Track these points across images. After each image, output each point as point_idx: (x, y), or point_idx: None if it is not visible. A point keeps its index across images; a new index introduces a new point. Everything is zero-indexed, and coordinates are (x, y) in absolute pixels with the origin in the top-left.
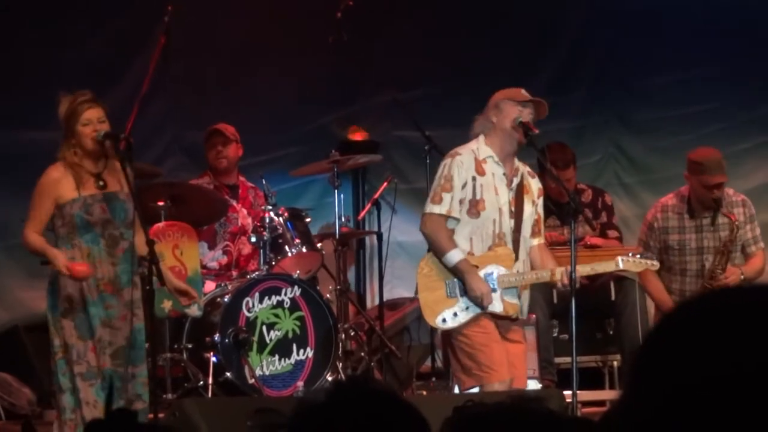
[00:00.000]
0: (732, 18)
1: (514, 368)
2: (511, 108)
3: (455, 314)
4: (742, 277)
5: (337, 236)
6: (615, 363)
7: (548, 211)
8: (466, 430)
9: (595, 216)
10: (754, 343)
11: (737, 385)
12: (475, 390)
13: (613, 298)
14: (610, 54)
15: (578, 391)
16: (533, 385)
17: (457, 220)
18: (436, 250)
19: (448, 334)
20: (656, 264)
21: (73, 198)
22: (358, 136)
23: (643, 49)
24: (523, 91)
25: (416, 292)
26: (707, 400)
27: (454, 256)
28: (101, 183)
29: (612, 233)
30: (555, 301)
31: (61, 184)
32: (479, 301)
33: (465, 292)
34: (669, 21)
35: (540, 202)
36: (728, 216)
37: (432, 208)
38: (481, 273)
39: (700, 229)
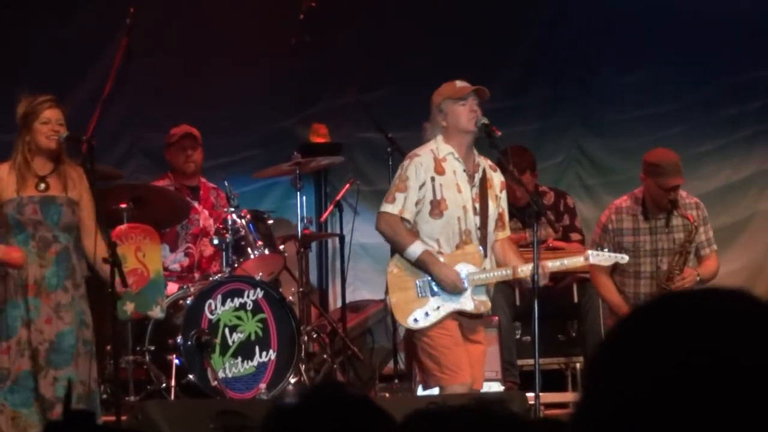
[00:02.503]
0: (693, 20)
1: (473, 369)
2: (454, 106)
3: (426, 314)
4: (698, 278)
5: (300, 238)
6: (578, 365)
7: (510, 214)
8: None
9: (557, 218)
10: (707, 345)
11: (690, 386)
12: (436, 392)
13: (576, 300)
14: (572, 56)
15: (541, 393)
16: (496, 387)
17: (409, 222)
18: (397, 247)
19: (411, 335)
20: (626, 258)
21: (11, 198)
22: (320, 138)
23: (605, 51)
24: (458, 83)
25: (386, 293)
26: (661, 400)
27: (415, 250)
28: (43, 186)
29: (575, 236)
30: (517, 303)
31: (3, 183)
32: (451, 289)
33: (436, 291)
34: (631, 22)
35: (503, 195)
36: (686, 216)
37: (385, 207)
38: None
39: (654, 231)
